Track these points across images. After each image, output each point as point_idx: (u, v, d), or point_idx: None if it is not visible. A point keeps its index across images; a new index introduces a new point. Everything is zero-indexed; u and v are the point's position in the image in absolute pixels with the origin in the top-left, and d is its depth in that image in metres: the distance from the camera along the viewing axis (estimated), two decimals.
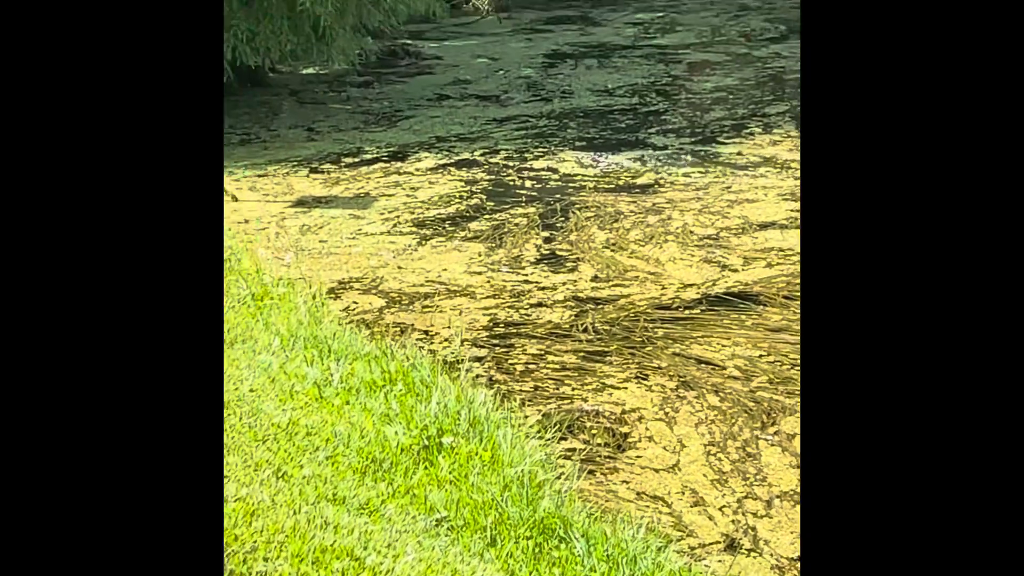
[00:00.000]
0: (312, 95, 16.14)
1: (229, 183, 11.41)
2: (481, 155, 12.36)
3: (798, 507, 5.24)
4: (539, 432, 5.75)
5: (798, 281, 7.84)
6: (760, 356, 6.96)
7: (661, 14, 23.23)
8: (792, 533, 5.12)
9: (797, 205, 9.78)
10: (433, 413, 5.30)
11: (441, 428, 5.19)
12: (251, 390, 5.50)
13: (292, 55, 14.70)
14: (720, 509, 5.37)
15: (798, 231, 8.20)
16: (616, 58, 18.30)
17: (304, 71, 17.61)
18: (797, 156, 11.43)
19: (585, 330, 7.46)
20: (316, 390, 5.64)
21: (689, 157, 11.94)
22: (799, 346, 6.18)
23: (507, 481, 4.90)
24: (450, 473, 4.91)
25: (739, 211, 9.92)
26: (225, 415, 5.10)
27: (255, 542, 4.03)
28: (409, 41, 19.71)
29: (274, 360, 6.01)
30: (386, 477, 4.82)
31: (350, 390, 5.69)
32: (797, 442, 5.87)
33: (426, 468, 4.93)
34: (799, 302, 7.23)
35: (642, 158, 11.96)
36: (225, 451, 4.73)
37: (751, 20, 21.76)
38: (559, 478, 5.28)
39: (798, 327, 7.04)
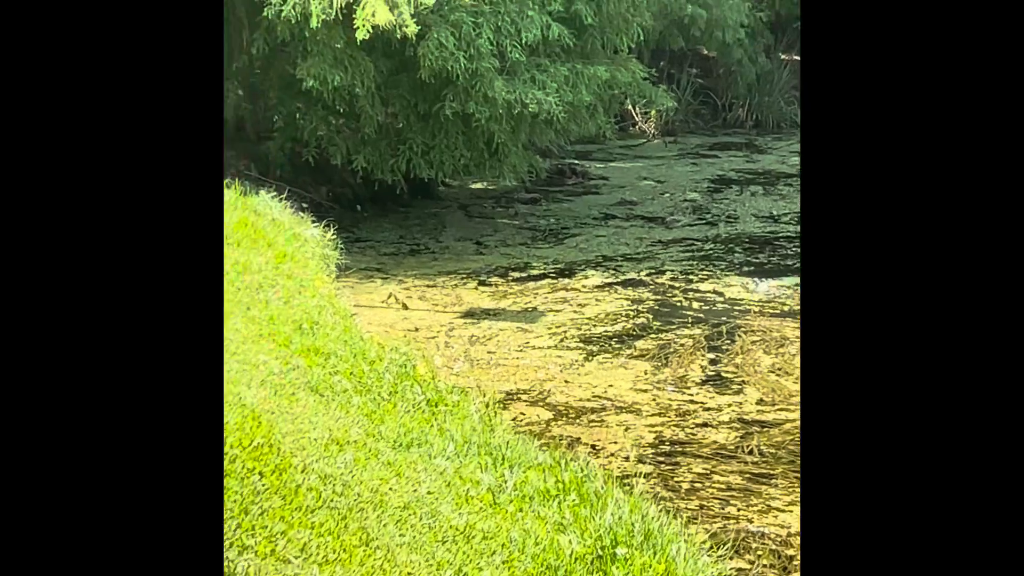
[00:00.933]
0: (480, 209, 16.48)
1: (399, 291, 11.70)
2: (647, 275, 12.52)
3: None
4: (710, 549, 5.82)
5: None
6: None
7: None
8: None
9: None
10: (608, 524, 5.41)
11: (616, 539, 5.29)
12: (428, 492, 5.66)
13: (465, 169, 15.06)
14: None
15: None
16: (782, 186, 18.40)
17: (473, 185, 17.97)
18: None
19: (751, 452, 7.52)
20: (491, 496, 5.78)
21: None
22: None
23: None
24: None
25: None
26: (404, 515, 5.27)
27: None
28: (576, 161, 20.01)
29: (449, 465, 6.17)
30: None
31: (523, 497, 5.82)
32: None
33: None
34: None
35: None
36: (407, 549, 4.89)
37: None
38: None
39: None
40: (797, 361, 9.39)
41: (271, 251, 10.08)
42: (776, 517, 6.55)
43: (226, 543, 4.52)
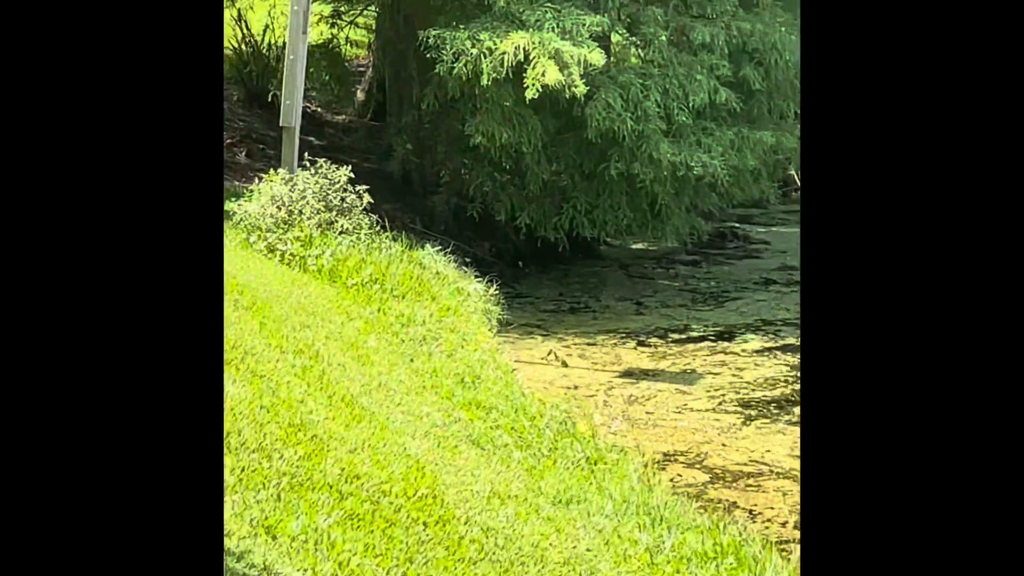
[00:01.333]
0: (641, 269, 16.51)
1: (559, 348, 11.79)
2: None
3: None
4: None
5: None
6: None
7: None
8: None
9: None
10: None
11: None
12: (588, 549, 5.72)
13: (627, 230, 15.13)
14: None
15: None
16: None
17: (633, 245, 18.01)
18: None
19: None
20: (648, 556, 5.83)
21: None
22: None
23: None
24: None
25: None
26: (564, 571, 5.34)
27: None
28: (738, 224, 19.95)
29: (608, 523, 6.22)
30: None
31: (681, 559, 5.86)
32: None
33: None
34: None
35: None
36: None
37: None
38: None
39: None
40: None
41: (435, 304, 10.25)
42: None
43: None
